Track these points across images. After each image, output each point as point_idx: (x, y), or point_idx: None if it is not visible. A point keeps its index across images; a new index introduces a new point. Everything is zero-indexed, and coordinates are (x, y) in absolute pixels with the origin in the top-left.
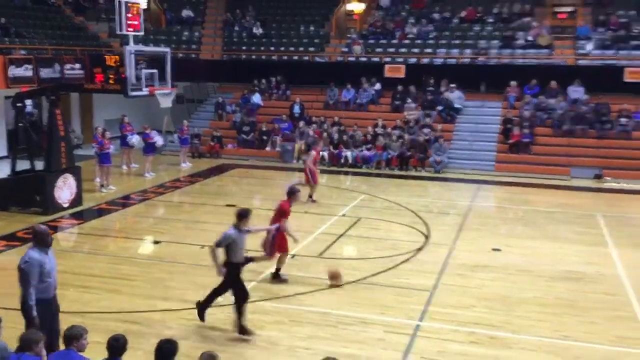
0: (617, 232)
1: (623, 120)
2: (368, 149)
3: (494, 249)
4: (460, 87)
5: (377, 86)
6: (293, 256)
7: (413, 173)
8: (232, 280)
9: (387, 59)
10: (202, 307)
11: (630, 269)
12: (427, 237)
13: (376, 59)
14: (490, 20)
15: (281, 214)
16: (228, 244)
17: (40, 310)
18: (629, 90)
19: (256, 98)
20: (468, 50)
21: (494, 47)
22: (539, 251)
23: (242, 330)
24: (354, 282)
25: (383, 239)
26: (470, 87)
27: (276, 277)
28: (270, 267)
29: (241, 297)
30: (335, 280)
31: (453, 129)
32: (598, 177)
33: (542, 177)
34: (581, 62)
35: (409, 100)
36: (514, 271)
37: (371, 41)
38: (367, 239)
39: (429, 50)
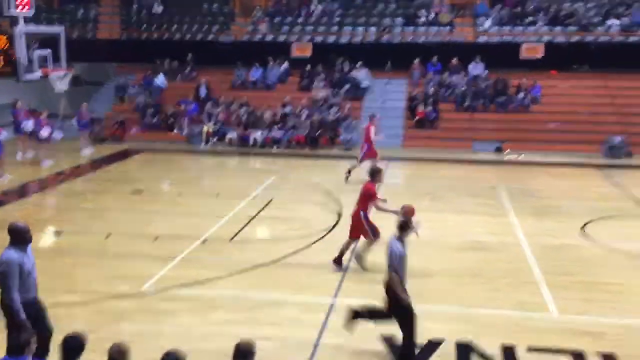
0: (517, 202)
1: (521, 95)
2: (279, 129)
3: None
4: (367, 65)
5: (285, 65)
6: (204, 241)
7: (323, 152)
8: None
9: (294, 38)
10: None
11: (530, 237)
12: (339, 215)
13: (283, 38)
14: None
15: (369, 196)
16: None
17: (24, 311)
18: (525, 66)
19: (160, 79)
20: (373, 28)
21: (397, 25)
22: (446, 224)
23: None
24: (268, 263)
25: (296, 219)
26: (376, 65)
27: (339, 262)
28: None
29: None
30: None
31: (361, 107)
32: (499, 150)
33: (447, 152)
34: (480, 39)
35: (317, 79)
36: (425, 245)
37: (277, 19)
38: (280, 219)
39: (335, 28)
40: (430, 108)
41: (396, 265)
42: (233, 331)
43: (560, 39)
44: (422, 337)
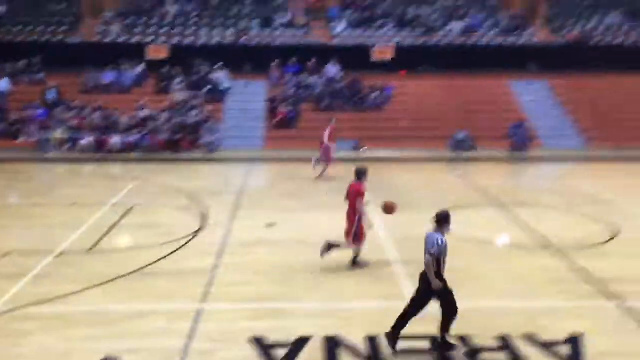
0: (375, 197)
1: (374, 95)
2: (138, 134)
3: (270, 224)
4: (226, 67)
5: (141, 68)
6: (60, 254)
7: (185, 156)
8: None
9: (149, 40)
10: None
11: (389, 231)
12: (204, 219)
13: (137, 40)
14: (250, 1)
15: (358, 195)
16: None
17: None
18: (377, 67)
19: (3, 83)
20: (230, 30)
21: (254, 28)
22: (310, 222)
23: (447, 346)
24: (130, 273)
25: (159, 225)
26: (236, 67)
27: (356, 263)
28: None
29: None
30: (391, 209)
31: (221, 109)
32: (356, 148)
33: (308, 152)
34: (335, 41)
35: (175, 81)
36: (289, 243)
37: (129, 20)
38: (142, 226)
39: (191, 30)
40: (290, 109)
41: (437, 255)
42: (96, 347)
43: (408, 41)
44: (290, 334)
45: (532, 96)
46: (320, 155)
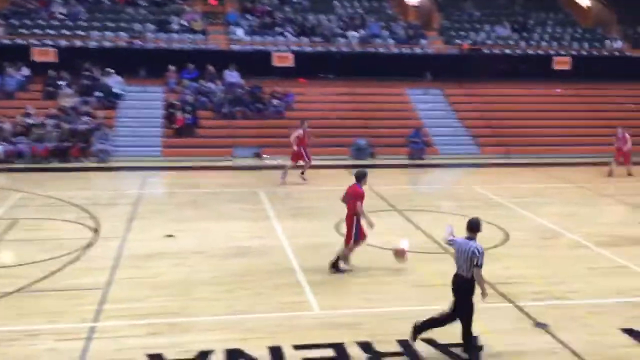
0: (277, 205)
1: (275, 101)
2: (23, 142)
3: (168, 235)
4: (119, 71)
5: (25, 71)
6: None
7: (75, 164)
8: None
9: (35, 42)
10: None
11: (291, 239)
12: (96, 231)
13: (21, 41)
14: (144, 3)
15: (357, 197)
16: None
17: None
18: (278, 73)
19: None
20: (123, 34)
21: (149, 31)
22: (210, 232)
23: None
24: (15, 291)
25: (47, 240)
26: (130, 71)
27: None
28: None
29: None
30: (401, 257)
31: (115, 115)
32: (257, 155)
33: (208, 159)
34: (234, 47)
35: (64, 86)
36: (188, 255)
37: (14, 21)
38: (29, 241)
39: (81, 32)
40: (188, 115)
41: (482, 263)
42: None
43: (308, 48)
44: (190, 350)
45: (428, 104)
46: (291, 161)
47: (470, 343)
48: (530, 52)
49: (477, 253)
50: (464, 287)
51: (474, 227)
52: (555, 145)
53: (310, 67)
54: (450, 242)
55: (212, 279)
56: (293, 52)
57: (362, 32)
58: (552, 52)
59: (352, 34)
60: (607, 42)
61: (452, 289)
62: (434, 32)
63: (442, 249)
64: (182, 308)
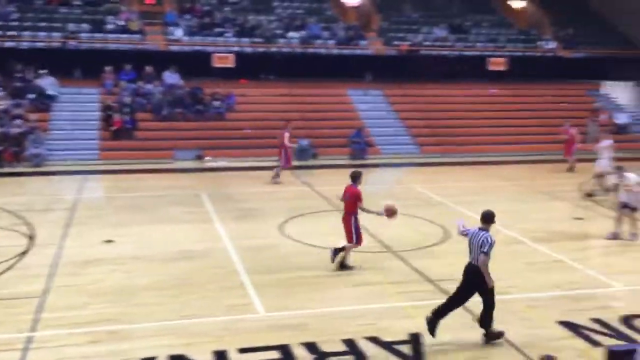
0: (220, 207)
1: (216, 103)
2: None
3: (107, 241)
4: (53, 73)
5: None
6: None
7: (8, 170)
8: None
9: None
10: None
11: (234, 241)
12: (31, 238)
13: None
14: (78, 3)
15: (356, 198)
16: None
17: None
18: (218, 74)
19: None
20: (56, 34)
21: (84, 31)
22: (151, 236)
23: (493, 335)
24: None
25: None
26: (64, 73)
27: (345, 266)
28: None
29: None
30: (392, 214)
31: (49, 118)
32: (199, 157)
33: (148, 162)
34: (173, 47)
35: None
36: (128, 260)
37: None
38: None
39: (12, 32)
40: (126, 117)
41: (489, 252)
42: None
43: (248, 49)
44: (132, 357)
45: (368, 104)
46: (281, 161)
47: (489, 326)
48: (466, 53)
49: (486, 242)
50: (475, 276)
51: (487, 218)
52: (492, 144)
53: (251, 68)
54: (464, 233)
55: (153, 284)
56: (233, 52)
57: (303, 33)
58: (487, 53)
59: (292, 34)
60: (541, 43)
61: (465, 276)
62: (373, 34)
63: (384, 248)
64: (123, 315)
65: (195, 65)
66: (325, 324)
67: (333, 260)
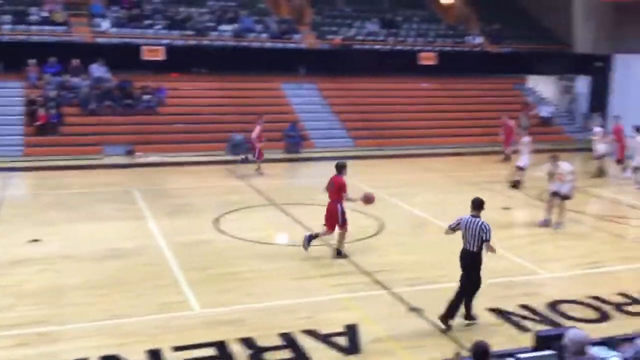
0: (153, 204)
1: (146, 97)
2: None
3: (33, 240)
4: None
5: None
6: None
7: None
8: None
9: None
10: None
11: (168, 238)
12: None
13: None
14: None
15: (341, 187)
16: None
17: None
18: (148, 68)
19: None
20: None
21: (6, 23)
22: (80, 234)
23: (471, 316)
24: None
25: None
26: None
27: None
28: None
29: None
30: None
31: None
32: (130, 153)
33: (76, 158)
34: (100, 40)
35: None
36: (57, 259)
37: None
38: None
39: None
40: (52, 112)
41: (491, 238)
42: None
43: (179, 42)
44: (64, 359)
45: (303, 98)
46: (256, 155)
47: (469, 312)
48: (398, 47)
49: (484, 229)
50: (472, 260)
51: (478, 205)
52: (424, 136)
53: (182, 61)
54: (456, 225)
55: (84, 284)
56: (164, 45)
57: (235, 26)
58: (418, 47)
59: (224, 27)
60: (468, 38)
61: (462, 262)
62: (306, 27)
63: (320, 242)
64: (52, 316)
65: (123, 58)
66: (262, 319)
67: (306, 248)
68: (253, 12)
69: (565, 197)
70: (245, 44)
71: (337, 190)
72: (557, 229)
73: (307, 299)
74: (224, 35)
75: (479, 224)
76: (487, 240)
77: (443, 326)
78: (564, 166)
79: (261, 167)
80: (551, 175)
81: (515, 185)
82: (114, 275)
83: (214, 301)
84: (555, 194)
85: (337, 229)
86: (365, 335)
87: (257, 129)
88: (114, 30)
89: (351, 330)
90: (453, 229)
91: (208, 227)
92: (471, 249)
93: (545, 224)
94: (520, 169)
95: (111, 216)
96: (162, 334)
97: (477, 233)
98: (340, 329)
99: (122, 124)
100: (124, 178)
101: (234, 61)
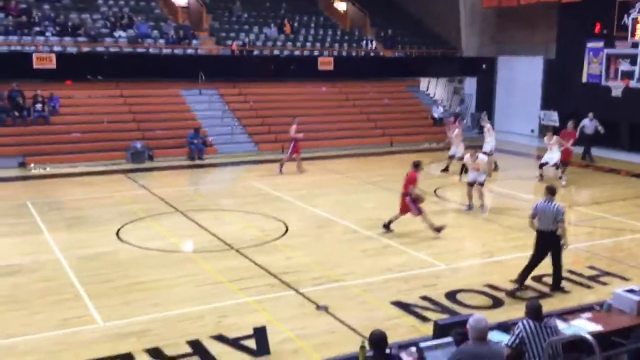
0: (49, 217)
1: (38, 106)
2: None
3: None
4: None
5: None
6: None
7: None
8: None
9: None
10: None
11: (66, 251)
12: None
13: None
14: None
15: (410, 181)
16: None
17: None
18: (39, 76)
19: None
20: None
21: None
22: None
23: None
24: None
25: None
26: None
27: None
28: None
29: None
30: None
31: None
32: (23, 165)
33: None
34: None
35: None
36: None
37: None
38: None
39: None
40: None
41: (564, 218)
42: None
43: (72, 49)
44: None
45: (204, 104)
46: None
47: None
48: (297, 53)
49: (561, 211)
50: (552, 238)
51: (553, 191)
52: (325, 139)
53: (76, 68)
54: (534, 212)
55: None
56: (55, 53)
57: (131, 32)
58: (316, 53)
59: (120, 33)
60: (363, 43)
61: (541, 241)
62: (204, 33)
63: (226, 246)
64: None
65: (12, 66)
66: (169, 328)
67: (390, 229)
68: (149, 17)
69: (481, 184)
70: (141, 50)
71: (407, 183)
72: (483, 212)
73: (215, 304)
74: (120, 41)
75: (555, 207)
76: (562, 221)
77: (517, 286)
78: (481, 158)
79: (285, 166)
80: (469, 166)
81: (446, 169)
82: (7, 293)
83: (118, 313)
84: (472, 183)
85: (418, 217)
86: (274, 336)
87: (294, 127)
88: (1, 38)
89: (260, 333)
90: (533, 217)
91: (110, 238)
92: (548, 229)
93: (469, 208)
94: (461, 159)
95: (3, 232)
96: (64, 350)
97: (554, 215)
98: (249, 332)
99: (13, 134)
100: (17, 191)
101: (131, 68)
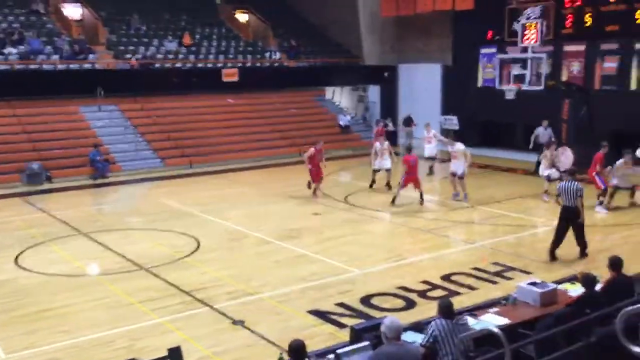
0: None
1: None
2: None
3: None
4: None
5: None
6: None
7: None
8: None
9: None
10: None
11: None
12: None
13: None
14: None
15: (596, 161)
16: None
17: None
18: None
19: None
20: None
21: None
22: None
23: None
24: None
25: None
26: None
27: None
28: None
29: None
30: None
31: None
32: None
33: None
34: None
35: None
36: None
37: None
38: None
39: None
40: None
41: (582, 195)
42: None
43: None
44: None
45: (104, 121)
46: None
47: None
48: (200, 65)
49: (580, 188)
50: (574, 213)
51: (573, 173)
52: (233, 151)
53: None
54: (558, 192)
55: None
56: None
57: (22, 48)
58: (220, 64)
59: (10, 50)
60: (267, 54)
61: (565, 216)
62: (102, 47)
63: (135, 267)
64: None
65: None
66: (78, 355)
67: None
68: (41, 33)
69: (461, 177)
70: (35, 66)
71: (594, 164)
72: (465, 201)
73: (126, 327)
74: (10, 58)
75: (575, 185)
76: (580, 197)
77: (550, 258)
78: (457, 146)
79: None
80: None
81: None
82: None
83: (22, 344)
84: (454, 174)
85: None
86: (190, 356)
87: (311, 151)
88: None
89: (174, 353)
90: (558, 195)
91: (7, 265)
92: (571, 205)
93: (455, 196)
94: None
95: None
96: None
97: (574, 192)
98: (164, 354)
99: None
100: None
101: (24, 85)
